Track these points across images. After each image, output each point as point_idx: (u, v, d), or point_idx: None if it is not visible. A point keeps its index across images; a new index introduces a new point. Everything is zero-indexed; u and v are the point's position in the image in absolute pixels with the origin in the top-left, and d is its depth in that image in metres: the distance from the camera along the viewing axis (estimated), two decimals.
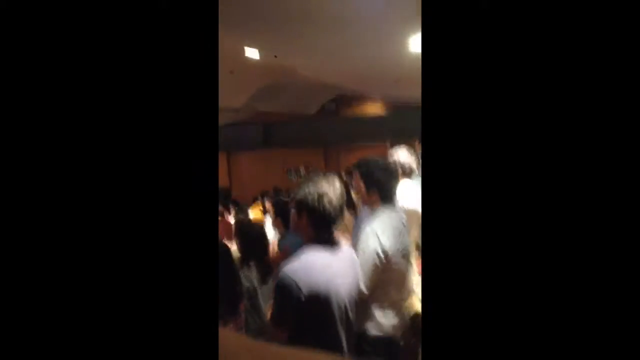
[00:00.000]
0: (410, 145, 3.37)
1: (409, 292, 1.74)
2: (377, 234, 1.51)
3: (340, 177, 4.77)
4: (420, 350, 1.80)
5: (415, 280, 2.33)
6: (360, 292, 1.47)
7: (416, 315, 1.95)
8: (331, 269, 1.24)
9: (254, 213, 5.06)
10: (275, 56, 4.46)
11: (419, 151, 4.03)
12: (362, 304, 1.54)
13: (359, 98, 8.63)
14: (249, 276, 2.14)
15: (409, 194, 2.21)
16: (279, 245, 2.58)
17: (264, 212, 4.90)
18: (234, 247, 2.43)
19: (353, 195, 3.14)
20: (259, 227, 2.57)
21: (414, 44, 3.56)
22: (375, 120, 8.54)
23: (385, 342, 1.56)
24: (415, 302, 2.12)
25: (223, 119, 7.32)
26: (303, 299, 1.15)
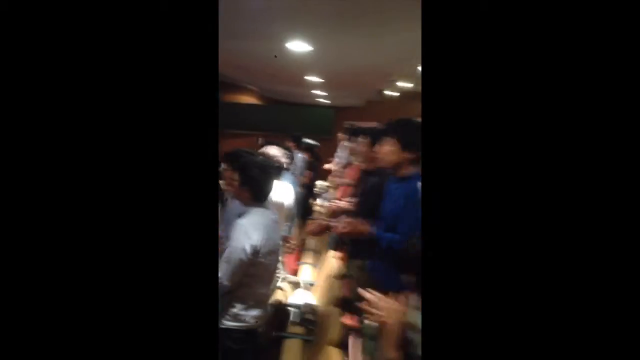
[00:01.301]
0: (282, 140, 3.44)
1: (274, 287, 1.79)
2: (247, 231, 1.51)
3: None
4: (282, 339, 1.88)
5: (282, 275, 2.41)
6: (223, 287, 1.46)
7: (278, 305, 2.02)
8: None
9: None
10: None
11: (292, 147, 4.15)
12: (226, 298, 1.53)
13: (234, 86, 8.44)
14: None
15: (279, 190, 2.27)
16: None
17: None
18: None
19: (222, 185, 3.06)
20: None
21: (293, 42, 3.64)
22: (249, 111, 8.46)
23: (246, 333, 1.58)
24: (279, 295, 2.20)
25: None
26: None
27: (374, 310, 1.05)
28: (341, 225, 1.52)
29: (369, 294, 1.10)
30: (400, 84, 7.70)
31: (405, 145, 1.64)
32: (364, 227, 1.55)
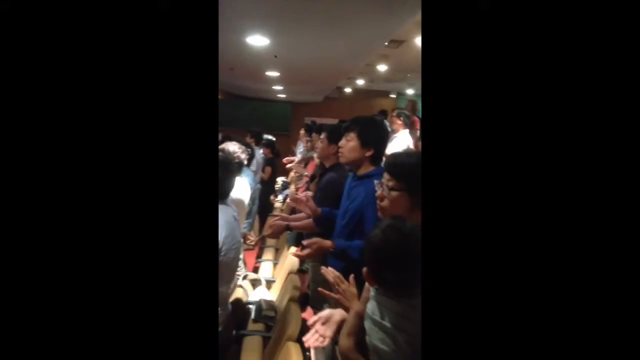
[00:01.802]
0: (242, 136, 3.40)
1: (235, 285, 1.78)
2: None
3: None
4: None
5: (242, 273, 2.39)
6: None
7: (237, 303, 2.02)
8: None
9: None
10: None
11: (251, 142, 4.11)
12: None
13: None
14: None
15: (239, 187, 2.25)
16: None
17: None
18: None
19: None
20: None
21: (251, 36, 3.61)
22: None
23: None
24: (239, 293, 2.18)
25: None
26: None
27: (335, 296, 1.09)
28: (305, 251, 1.59)
29: (330, 275, 1.14)
30: (357, 81, 7.80)
31: (364, 143, 1.68)
32: (327, 243, 1.60)
